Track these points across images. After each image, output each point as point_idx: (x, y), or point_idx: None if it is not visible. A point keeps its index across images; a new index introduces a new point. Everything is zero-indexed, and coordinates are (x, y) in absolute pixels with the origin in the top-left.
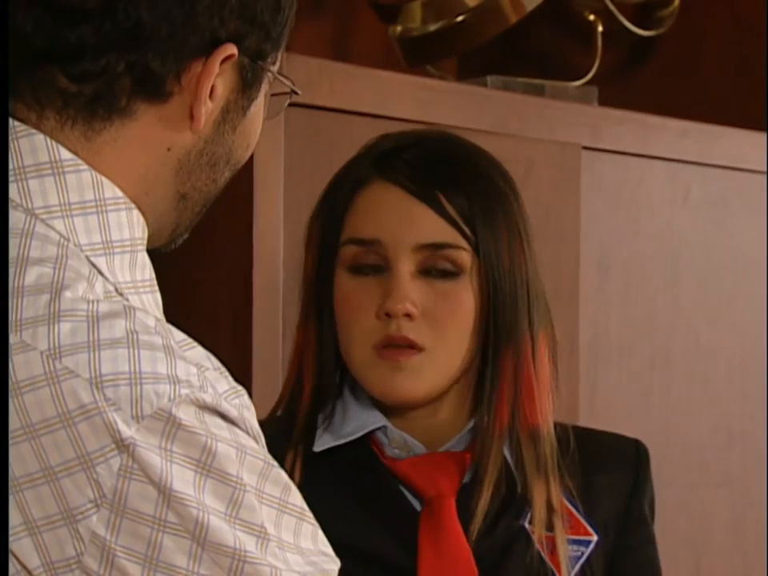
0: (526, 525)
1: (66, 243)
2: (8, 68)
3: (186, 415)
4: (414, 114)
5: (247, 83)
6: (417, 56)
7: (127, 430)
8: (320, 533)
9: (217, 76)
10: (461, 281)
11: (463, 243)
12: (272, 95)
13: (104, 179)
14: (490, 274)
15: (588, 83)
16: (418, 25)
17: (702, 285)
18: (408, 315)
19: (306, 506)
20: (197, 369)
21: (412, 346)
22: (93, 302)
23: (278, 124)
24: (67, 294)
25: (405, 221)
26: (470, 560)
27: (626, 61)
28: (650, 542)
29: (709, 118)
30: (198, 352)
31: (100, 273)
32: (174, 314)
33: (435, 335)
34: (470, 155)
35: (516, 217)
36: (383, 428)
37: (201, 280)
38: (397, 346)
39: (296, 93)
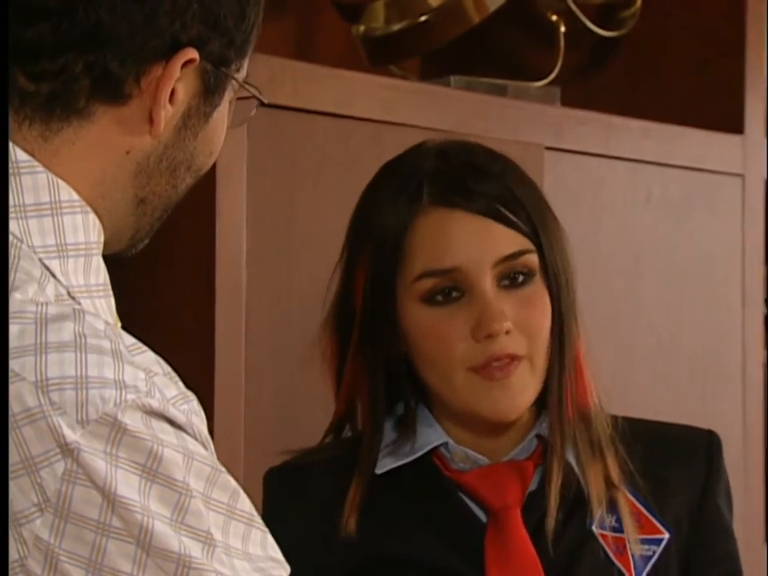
0: (594, 529)
1: (19, 245)
2: (8, 68)
3: (132, 420)
4: (377, 114)
5: (210, 89)
6: (380, 56)
7: (72, 435)
8: (269, 538)
9: (178, 80)
10: (535, 283)
11: (530, 246)
12: (237, 99)
13: (60, 181)
14: (553, 271)
15: (550, 83)
16: (381, 24)
17: (663, 284)
18: (507, 332)
19: (254, 512)
20: (145, 374)
21: (515, 358)
22: (42, 304)
23: None
24: (16, 295)
25: (479, 241)
26: (538, 570)
27: (589, 61)
28: (727, 535)
29: (670, 118)
30: (148, 357)
31: (53, 275)
32: (136, 316)
33: (530, 342)
34: (498, 160)
35: (552, 212)
36: (445, 444)
37: (163, 281)
38: (499, 363)
39: (262, 102)
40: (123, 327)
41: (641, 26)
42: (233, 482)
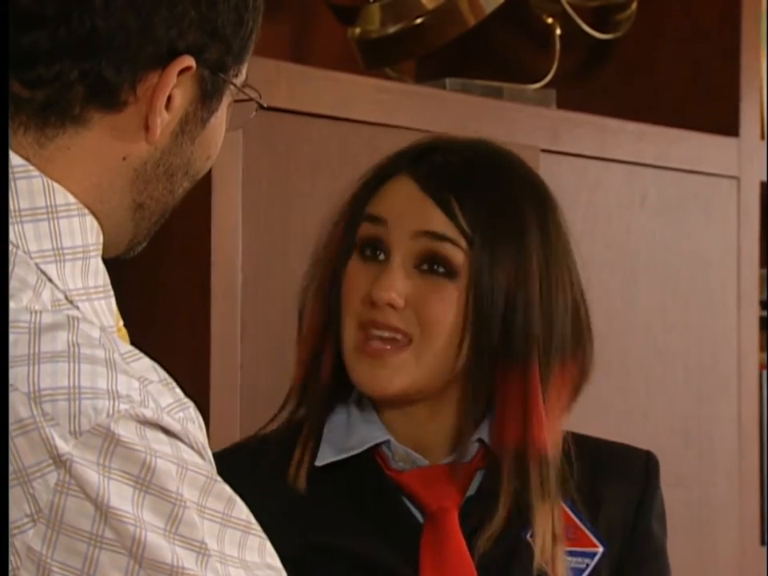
0: (528, 538)
1: (14, 250)
2: (7, 66)
3: (126, 431)
4: (372, 116)
5: (207, 95)
6: (376, 58)
7: (64, 446)
8: (268, 545)
9: (175, 87)
10: (455, 281)
11: (462, 244)
12: (235, 101)
13: (56, 185)
14: (479, 281)
15: (546, 86)
16: (376, 27)
17: (659, 287)
18: (392, 306)
19: (252, 519)
20: (139, 382)
21: (398, 332)
22: (36, 312)
23: None
24: (11, 304)
25: (411, 209)
26: (472, 573)
27: (584, 64)
28: (658, 556)
29: (665, 121)
30: (144, 364)
31: (50, 280)
32: (132, 318)
33: (422, 327)
34: (502, 170)
35: (531, 240)
36: (386, 442)
37: (158, 283)
38: (381, 339)
39: (262, 106)
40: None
41: (636, 29)
42: (228, 490)
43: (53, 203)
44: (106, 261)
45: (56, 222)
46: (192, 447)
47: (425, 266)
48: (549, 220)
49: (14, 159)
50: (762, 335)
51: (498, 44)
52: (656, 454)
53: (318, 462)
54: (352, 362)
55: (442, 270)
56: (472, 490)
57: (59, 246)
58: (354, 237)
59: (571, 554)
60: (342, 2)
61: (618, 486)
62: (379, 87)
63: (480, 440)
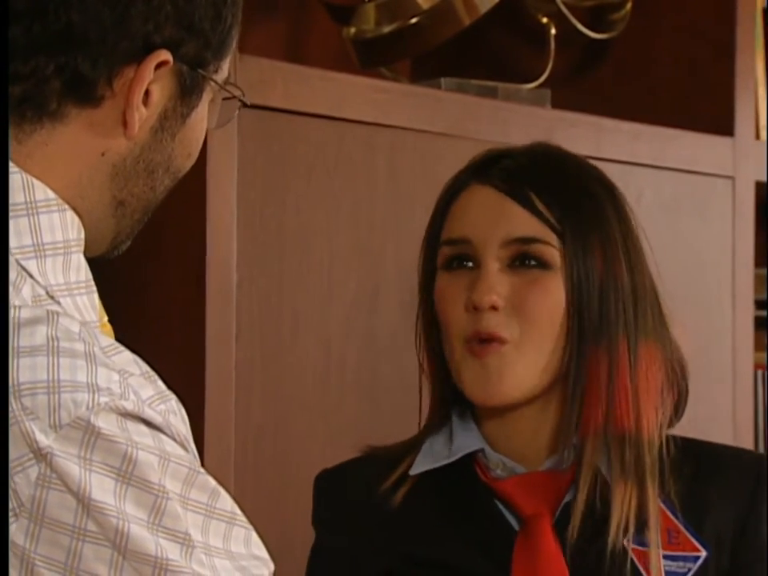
0: (626, 542)
1: None
2: (7, 66)
3: (107, 423)
4: (367, 116)
5: (186, 91)
6: (371, 58)
7: (45, 440)
8: (254, 536)
9: (152, 82)
10: (548, 273)
11: (553, 240)
12: (223, 99)
13: (35, 181)
14: (575, 272)
15: (541, 86)
16: (371, 26)
17: None
18: (494, 307)
19: (237, 510)
20: (119, 375)
21: (498, 339)
22: (16, 307)
23: (231, 125)
24: None
25: (493, 217)
26: None
27: (579, 64)
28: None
29: (660, 120)
30: (124, 357)
31: (30, 276)
32: (127, 317)
33: (523, 326)
34: (569, 165)
35: (612, 228)
36: (483, 450)
37: (154, 283)
38: (481, 341)
39: (245, 104)
40: (112, 326)
41: (631, 28)
42: (212, 482)
43: (32, 199)
44: (97, 260)
45: (36, 217)
46: (174, 439)
47: (517, 263)
48: (620, 205)
49: None
50: (760, 335)
51: (493, 44)
52: None
53: (412, 472)
54: (461, 373)
55: (534, 263)
56: (569, 496)
57: (39, 241)
58: (434, 263)
59: (672, 558)
60: (337, 2)
61: (728, 490)
62: (374, 87)
63: (576, 445)
